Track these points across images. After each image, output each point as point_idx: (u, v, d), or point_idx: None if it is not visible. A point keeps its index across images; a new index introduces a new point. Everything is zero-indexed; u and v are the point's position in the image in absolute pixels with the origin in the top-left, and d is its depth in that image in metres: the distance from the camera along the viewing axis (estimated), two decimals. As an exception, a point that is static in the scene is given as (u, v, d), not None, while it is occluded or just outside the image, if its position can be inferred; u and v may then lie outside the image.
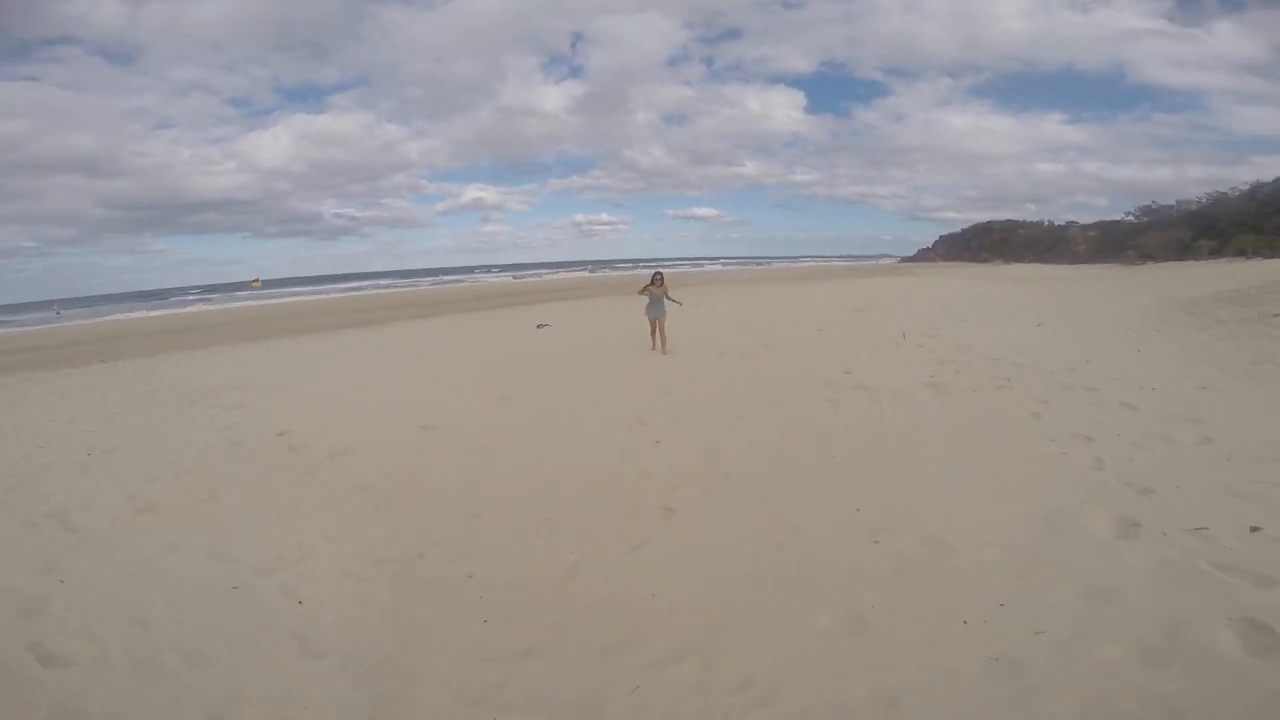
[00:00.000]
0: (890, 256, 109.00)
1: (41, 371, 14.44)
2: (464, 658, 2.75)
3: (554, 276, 64.92)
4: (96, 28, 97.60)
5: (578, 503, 4.34)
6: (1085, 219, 79.71)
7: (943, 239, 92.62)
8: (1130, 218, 69.12)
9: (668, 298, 10.49)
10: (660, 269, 11.05)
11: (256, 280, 77.15)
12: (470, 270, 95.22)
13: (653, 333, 10.39)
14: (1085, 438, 4.96)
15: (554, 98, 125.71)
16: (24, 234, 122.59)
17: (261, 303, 42.55)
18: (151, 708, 2.50)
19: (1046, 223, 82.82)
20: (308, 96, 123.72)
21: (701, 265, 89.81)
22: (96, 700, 2.52)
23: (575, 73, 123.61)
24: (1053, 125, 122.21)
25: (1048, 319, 12.39)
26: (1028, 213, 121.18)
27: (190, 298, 60.57)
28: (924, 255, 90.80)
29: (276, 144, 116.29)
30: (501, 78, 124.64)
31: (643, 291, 10.62)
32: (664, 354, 9.94)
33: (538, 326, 15.37)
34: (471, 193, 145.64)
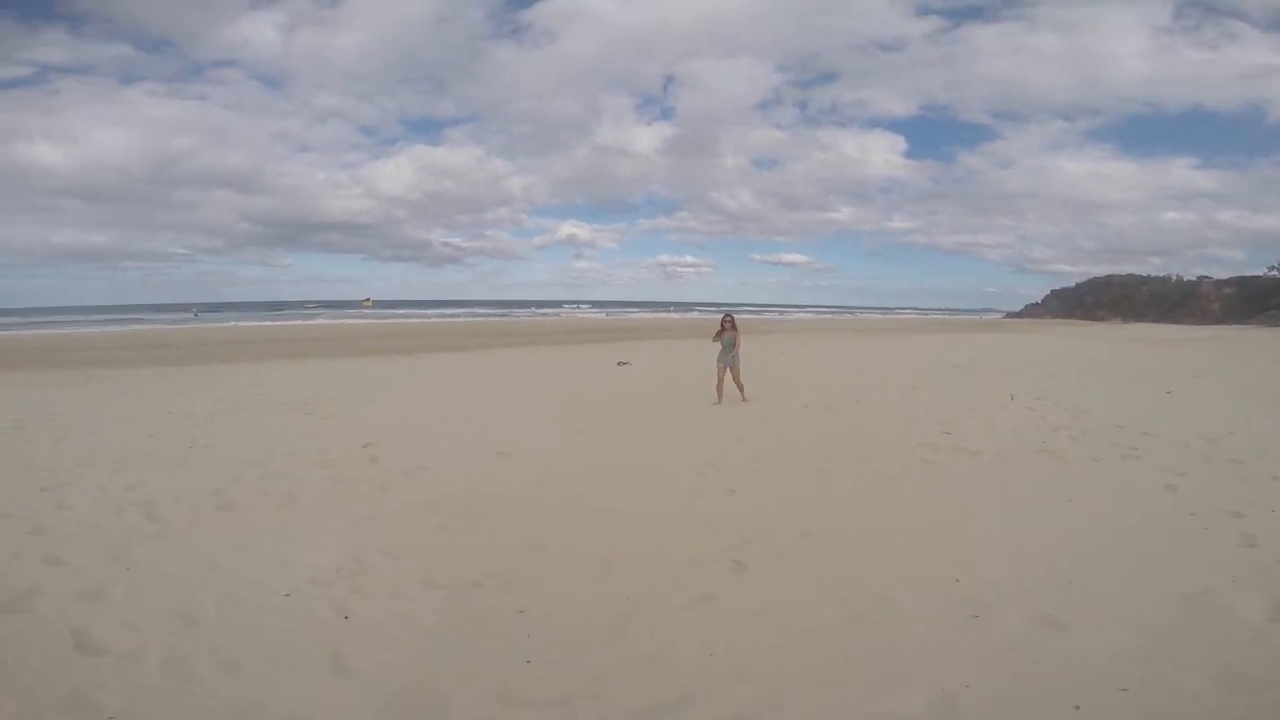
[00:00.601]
0: (995, 311, 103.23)
1: (169, 367, 15.91)
2: (498, 697, 2.54)
3: (638, 315, 65.70)
4: (256, 52, 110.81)
5: (642, 546, 4.09)
6: (1219, 273, 72.68)
7: (1054, 294, 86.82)
8: (1273, 272, 62.13)
9: (736, 345, 9.70)
10: (731, 312, 10.25)
11: (368, 300, 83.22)
12: (559, 304, 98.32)
13: (720, 383, 9.62)
14: (1232, 513, 4.36)
15: (645, 138, 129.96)
16: (178, 241, 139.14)
17: (369, 322, 45.53)
18: (168, 709, 2.45)
19: (1174, 277, 76.35)
20: (427, 129, 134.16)
21: (788, 313, 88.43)
22: (116, 694, 2.49)
23: (666, 114, 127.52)
24: (1181, 171, 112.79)
25: (1178, 385, 11.14)
26: (1152, 266, 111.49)
27: (307, 311, 65.94)
28: (1032, 311, 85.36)
29: (398, 173, 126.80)
30: (598, 117, 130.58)
31: (716, 338, 9.82)
32: (743, 400, 9.41)
33: (619, 364, 15.39)
34: (566, 229, 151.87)
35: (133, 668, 2.67)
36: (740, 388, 9.58)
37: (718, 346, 9.83)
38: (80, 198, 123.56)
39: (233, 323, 42.83)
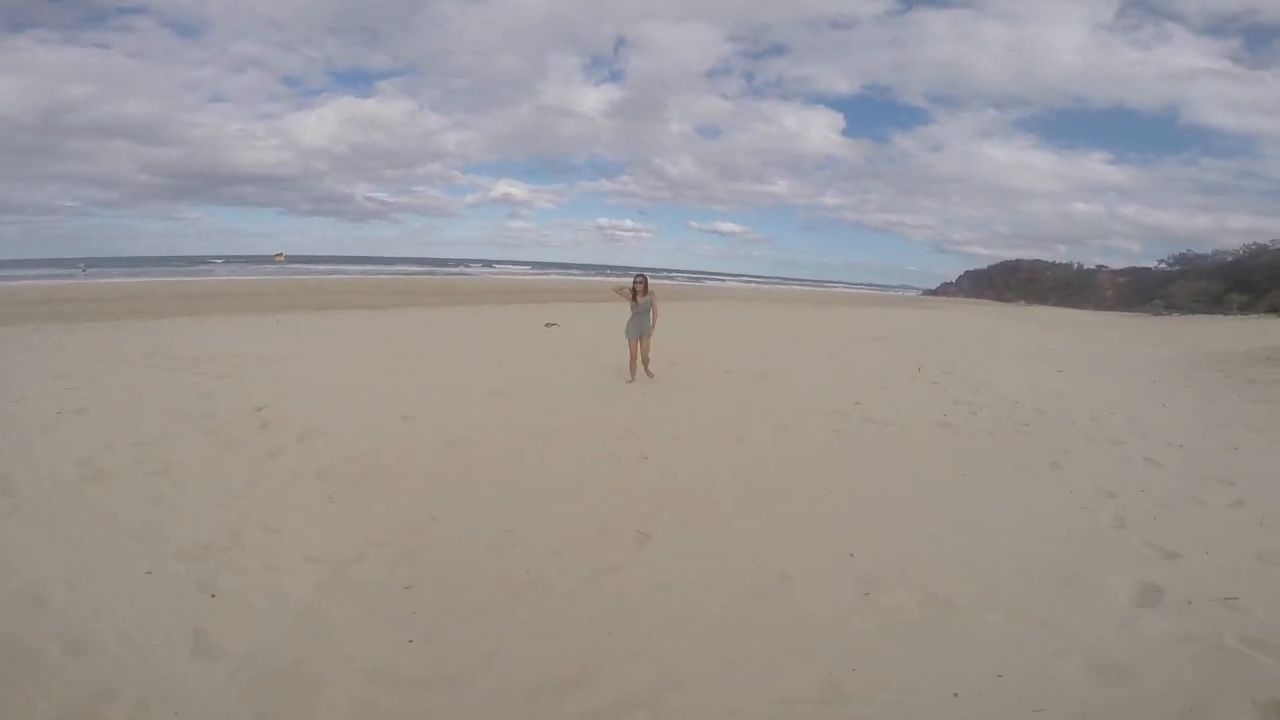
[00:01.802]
0: (913, 288, 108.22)
1: (54, 324, 14.39)
2: (375, 678, 2.39)
3: (574, 278, 64.69)
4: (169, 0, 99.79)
5: (547, 516, 3.97)
6: (1116, 263, 79.38)
7: (967, 274, 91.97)
8: (1163, 265, 68.25)
9: (654, 311, 8.28)
10: (644, 274, 8.38)
11: (280, 255, 78.14)
12: (491, 264, 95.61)
13: (633, 359, 8.25)
14: (1107, 493, 4.59)
15: (591, 100, 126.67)
16: (66, 194, 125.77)
17: (281, 277, 42.76)
18: (8, 696, 2.21)
19: (1076, 265, 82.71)
20: (356, 80, 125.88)
21: (723, 281, 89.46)
22: None
23: (615, 76, 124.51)
24: (1095, 164, 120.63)
25: (1070, 365, 11.90)
26: (1058, 254, 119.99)
27: (215, 265, 61.31)
28: (947, 289, 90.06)
29: (321, 124, 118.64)
30: (543, 75, 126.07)
31: (629, 301, 8.26)
32: (649, 376, 8.21)
33: (546, 325, 15.07)
34: (502, 187, 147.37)
35: None
36: (646, 362, 8.31)
37: (627, 312, 8.40)
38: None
39: (132, 279, 39.25)
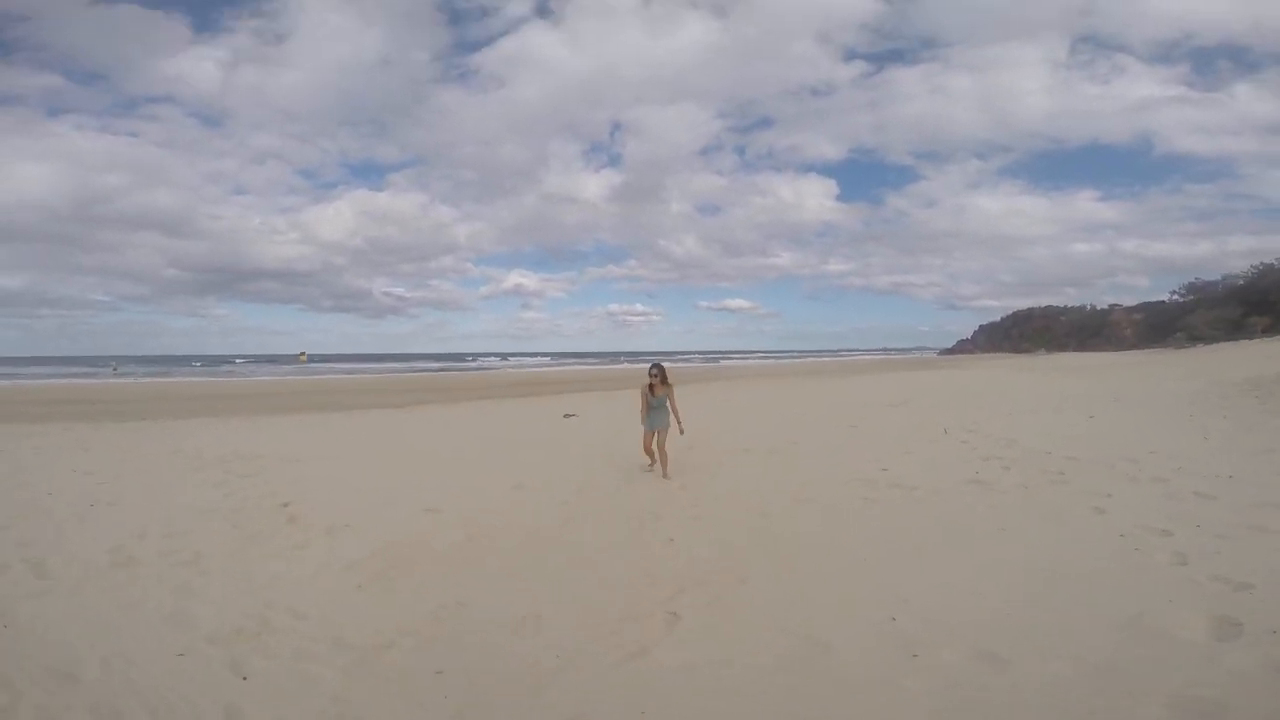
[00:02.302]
0: (928, 349, 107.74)
1: (81, 424, 14.77)
2: None
3: (589, 366, 65.48)
4: (194, 88, 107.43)
5: (574, 601, 3.93)
6: (1128, 300, 78.81)
7: (982, 329, 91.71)
8: (1176, 297, 67.45)
9: (672, 407, 7.76)
10: (660, 361, 8.06)
11: (303, 354, 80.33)
12: (506, 356, 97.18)
13: (648, 448, 7.81)
14: (1161, 531, 4.49)
15: (593, 186, 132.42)
16: (99, 287, 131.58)
17: (302, 378, 43.76)
18: None
19: (1089, 307, 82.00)
20: (369, 173, 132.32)
21: (734, 359, 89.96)
22: None
23: (613, 161, 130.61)
24: (1085, 203, 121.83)
25: (1099, 409, 11.76)
26: (1068, 297, 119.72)
27: (238, 364, 62.94)
28: (963, 346, 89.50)
29: (338, 218, 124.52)
30: (545, 164, 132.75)
31: (645, 399, 7.79)
32: (665, 477, 7.46)
33: (565, 416, 15.18)
34: (513, 278, 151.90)
35: None
36: (664, 460, 7.62)
37: (638, 407, 7.98)
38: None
39: (158, 379, 40.42)
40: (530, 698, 2.81)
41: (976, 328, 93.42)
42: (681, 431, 7.79)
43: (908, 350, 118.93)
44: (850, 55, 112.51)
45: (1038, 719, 2.50)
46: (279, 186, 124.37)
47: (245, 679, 2.90)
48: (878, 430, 10.74)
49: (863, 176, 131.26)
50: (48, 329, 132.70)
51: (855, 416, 12.84)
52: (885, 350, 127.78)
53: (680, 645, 3.32)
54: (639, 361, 70.62)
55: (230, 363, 68.92)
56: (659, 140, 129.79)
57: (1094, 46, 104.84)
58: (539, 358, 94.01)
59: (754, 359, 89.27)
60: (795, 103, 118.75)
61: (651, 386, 7.73)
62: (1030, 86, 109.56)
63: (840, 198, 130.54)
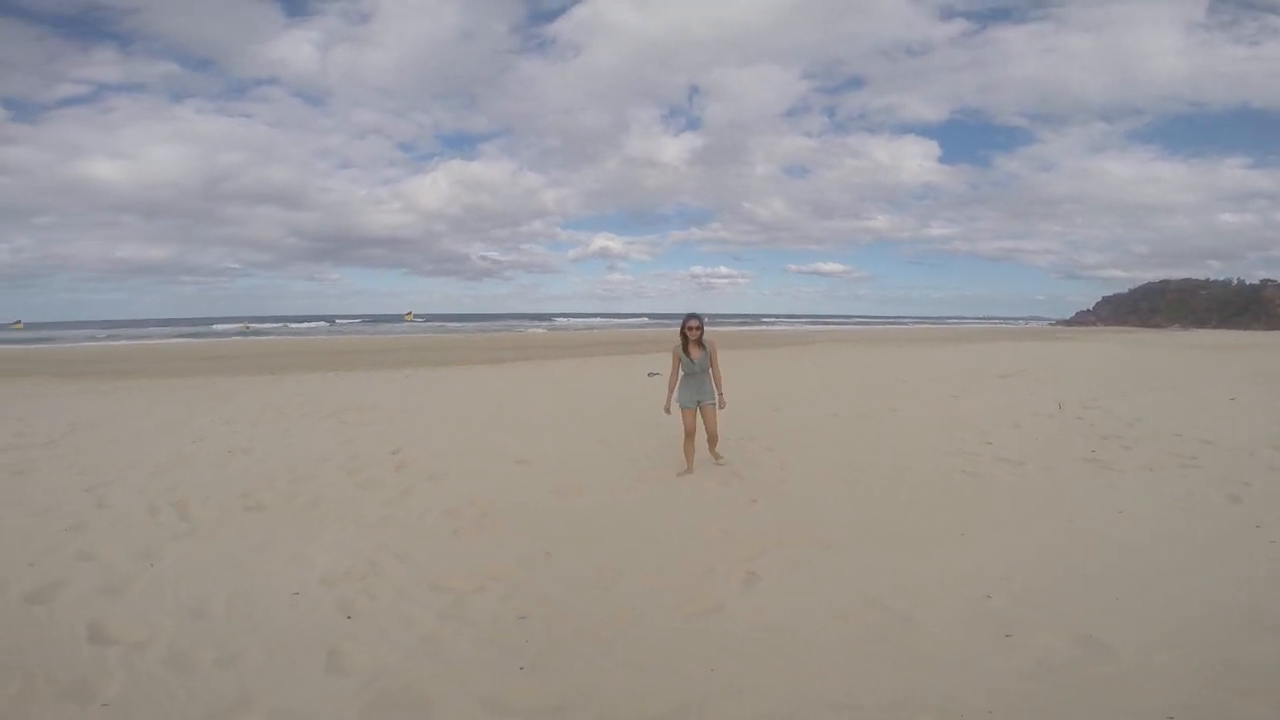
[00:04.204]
0: (1042, 319, 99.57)
1: (221, 377, 16.54)
2: (485, 702, 2.50)
3: (673, 327, 65.29)
4: (295, 70, 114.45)
5: (654, 557, 4.00)
6: None
7: (1106, 300, 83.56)
8: None
9: (714, 375, 5.90)
10: (695, 314, 5.78)
11: (409, 314, 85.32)
12: (592, 316, 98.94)
13: (690, 437, 5.92)
14: None
15: (673, 149, 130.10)
16: (231, 256, 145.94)
17: (409, 335, 46.63)
18: (161, 698, 2.49)
19: (1235, 281, 72.60)
20: (462, 144, 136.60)
21: (826, 324, 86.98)
22: (116, 682, 2.56)
23: (693, 124, 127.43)
24: (1234, 171, 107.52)
25: (1243, 391, 10.45)
26: (1211, 270, 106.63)
27: (354, 323, 68.02)
28: (1083, 318, 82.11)
29: (435, 188, 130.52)
30: (625, 129, 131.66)
31: (677, 358, 5.85)
32: (715, 460, 6.08)
33: (649, 375, 15.32)
34: (599, 241, 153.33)
35: (137, 658, 2.74)
36: (712, 441, 6.02)
37: (668, 373, 6.05)
38: (139, 213, 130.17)
39: (284, 336, 44.51)
40: (604, 647, 2.91)
41: (1100, 299, 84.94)
42: (723, 405, 5.97)
43: (1018, 320, 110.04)
44: (948, 13, 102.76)
45: (1136, 709, 2.32)
46: (380, 160, 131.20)
47: (349, 618, 3.16)
48: (984, 402, 10.08)
49: (968, 138, 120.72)
50: (189, 294, 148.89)
51: (959, 386, 12.10)
52: (992, 318, 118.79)
53: (757, 605, 3.31)
54: (723, 324, 70.01)
55: (346, 320, 74.49)
56: (740, 102, 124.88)
57: (1235, 7, 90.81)
58: (626, 318, 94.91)
59: (849, 324, 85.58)
60: (888, 62, 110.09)
61: (687, 345, 5.79)
62: (1163, 47, 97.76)
63: (943, 159, 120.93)
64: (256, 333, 50.55)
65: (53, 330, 56.06)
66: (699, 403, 5.91)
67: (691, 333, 5.72)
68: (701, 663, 2.75)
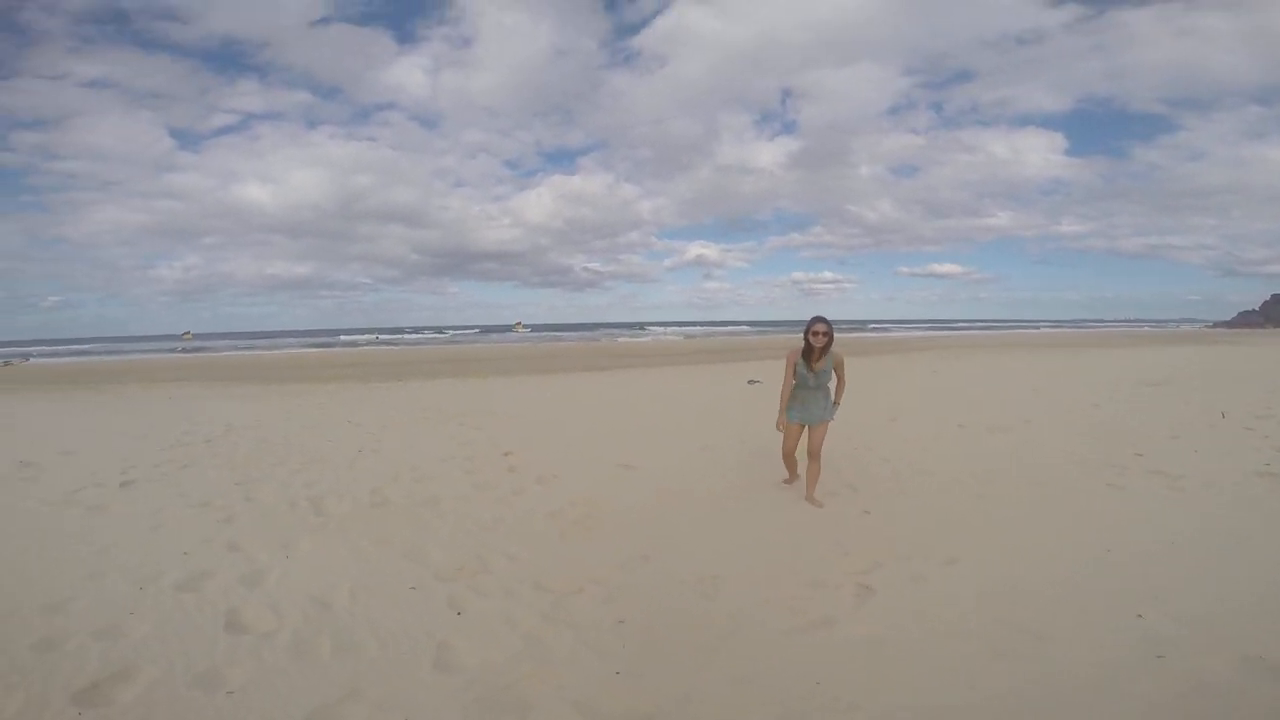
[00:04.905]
0: (1196, 321, 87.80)
1: (354, 383, 18.06)
2: (578, 706, 2.49)
3: (774, 335, 63.80)
4: (409, 95, 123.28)
5: (757, 565, 3.88)
6: None
7: (1275, 298, 72.25)
8: None
9: (838, 387, 5.07)
10: (823, 317, 4.75)
11: (519, 324, 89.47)
12: (691, 324, 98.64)
13: (791, 451, 5.23)
14: None
15: (768, 154, 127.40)
16: (364, 272, 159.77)
17: (520, 344, 48.77)
18: (280, 684, 2.63)
19: None
20: (561, 159, 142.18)
21: (944, 329, 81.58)
22: (243, 670, 2.72)
23: (788, 128, 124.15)
24: None
25: None
26: None
27: (470, 334, 72.23)
28: (1247, 319, 71.85)
29: (540, 202, 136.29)
30: (717, 136, 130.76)
31: (800, 369, 4.89)
32: (812, 502, 5.03)
33: (749, 382, 15.02)
34: (695, 249, 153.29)
35: (265, 647, 2.92)
36: (813, 466, 5.05)
37: (780, 384, 5.29)
38: (285, 233, 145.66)
39: (409, 346, 48.14)
40: (702, 655, 2.83)
41: (1269, 297, 73.87)
42: (833, 416, 5.06)
43: (1167, 322, 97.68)
44: (1058, 0, 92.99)
45: None
46: (490, 177, 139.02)
47: (459, 614, 3.27)
48: (1131, 411, 9.04)
49: (1097, 128, 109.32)
50: (328, 307, 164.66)
51: (1099, 395, 10.90)
52: (1135, 321, 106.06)
53: (869, 620, 3.11)
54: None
55: (463, 331, 79.28)
56: (838, 103, 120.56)
57: None
58: (725, 326, 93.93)
59: (970, 329, 79.77)
60: (998, 53, 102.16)
61: (808, 354, 4.84)
62: None
63: (1070, 151, 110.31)
64: (384, 342, 55.00)
65: (213, 340, 64.07)
66: (809, 423, 5.02)
67: (817, 339, 4.73)
68: (806, 676, 2.62)
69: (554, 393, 14.38)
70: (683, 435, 8.12)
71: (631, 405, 11.65)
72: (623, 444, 7.60)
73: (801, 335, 4.86)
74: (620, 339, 56.43)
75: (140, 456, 7.15)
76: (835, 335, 4.82)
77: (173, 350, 47.93)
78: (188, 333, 79.10)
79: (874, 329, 79.99)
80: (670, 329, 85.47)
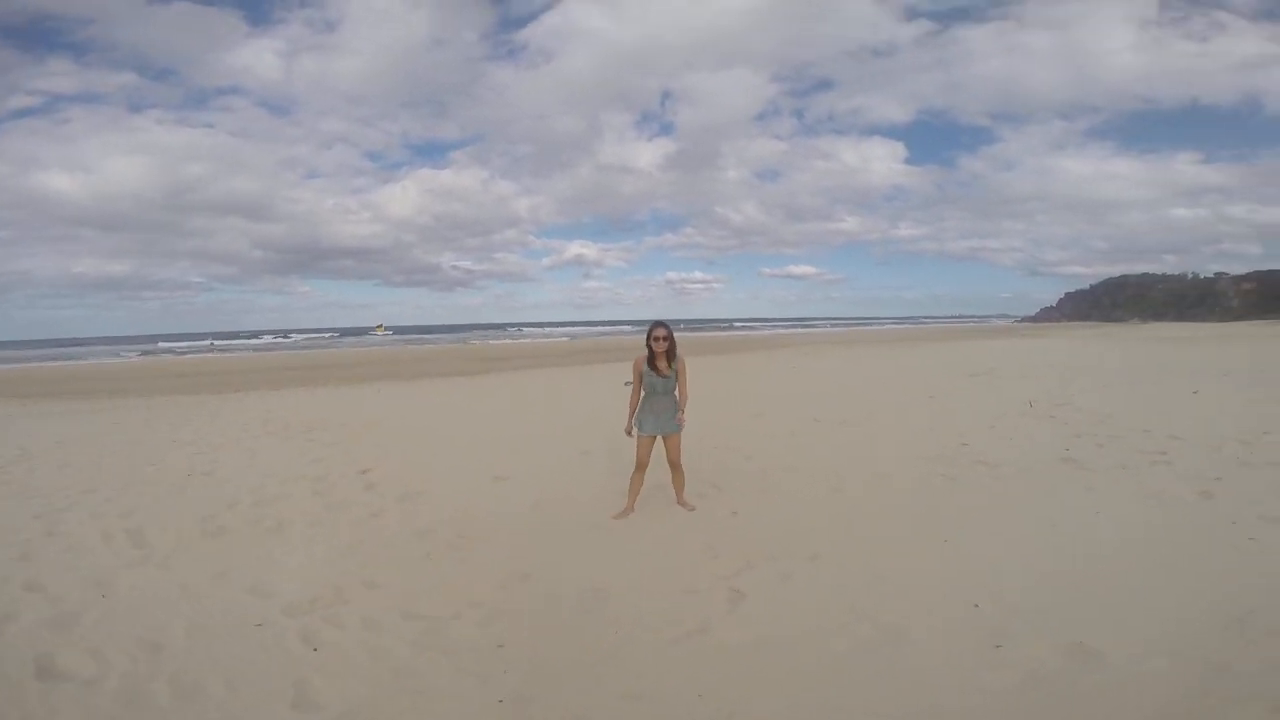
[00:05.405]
0: (1008, 316, 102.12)
1: (184, 396, 15.99)
2: None
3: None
4: (259, 79, 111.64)
5: (636, 574, 3.88)
6: (1237, 269, 73.10)
7: (1069, 296, 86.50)
8: None
9: (681, 391, 4.95)
10: (663, 322, 4.86)
11: (381, 326, 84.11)
12: (571, 325, 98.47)
13: (644, 464, 4.99)
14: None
15: (647, 155, 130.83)
16: (195, 270, 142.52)
17: (380, 348, 45.82)
18: None
19: (1190, 275, 76.32)
20: (431, 152, 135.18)
21: (803, 326, 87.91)
22: None
23: (666, 130, 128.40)
24: (1186, 166, 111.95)
25: (1204, 384, 10.75)
26: (1167, 264, 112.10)
27: (325, 338, 66.67)
28: (1047, 315, 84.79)
29: (405, 196, 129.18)
30: (599, 135, 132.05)
31: (641, 373, 4.92)
32: (681, 504, 5.15)
33: (625, 384, 15.23)
34: (574, 248, 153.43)
35: (90, 694, 2.58)
36: (677, 476, 5.13)
37: (635, 398, 5.05)
38: (97, 227, 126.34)
39: (251, 353, 43.40)
40: (588, 674, 2.79)
41: (1063, 295, 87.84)
42: (681, 425, 4.94)
43: (986, 318, 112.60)
44: (912, 14, 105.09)
45: (1127, 717, 2.31)
46: (348, 169, 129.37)
47: (315, 650, 3.00)
48: (957, 402, 10.20)
49: (933, 138, 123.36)
50: (152, 309, 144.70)
51: (933, 387, 12.23)
52: (960, 317, 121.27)
53: (744, 624, 3.21)
54: (698, 330, 70.05)
55: (316, 334, 73.00)
56: (712, 106, 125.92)
57: (1187, 3, 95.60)
58: (602, 326, 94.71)
59: (823, 326, 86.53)
60: (855, 64, 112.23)
61: (653, 359, 4.85)
62: (1117, 44, 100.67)
63: (910, 160, 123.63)
64: (219, 349, 49.30)
65: (9, 350, 53.72)
66: (660, 433, 4.95)
67: (658, 344, 4.78)
68: (690, 687, 2.65)
69: (419, 401, 13.64)
70: (559, 441, 8.01)
71: (504, 411, 11.34)
72: (495, 454, 7.35)
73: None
74: (493, 341, 54.94)
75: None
76: (677, 338, 4.92)
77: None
78: None
79: (740, 327, 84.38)
80: (549, 329, 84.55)
